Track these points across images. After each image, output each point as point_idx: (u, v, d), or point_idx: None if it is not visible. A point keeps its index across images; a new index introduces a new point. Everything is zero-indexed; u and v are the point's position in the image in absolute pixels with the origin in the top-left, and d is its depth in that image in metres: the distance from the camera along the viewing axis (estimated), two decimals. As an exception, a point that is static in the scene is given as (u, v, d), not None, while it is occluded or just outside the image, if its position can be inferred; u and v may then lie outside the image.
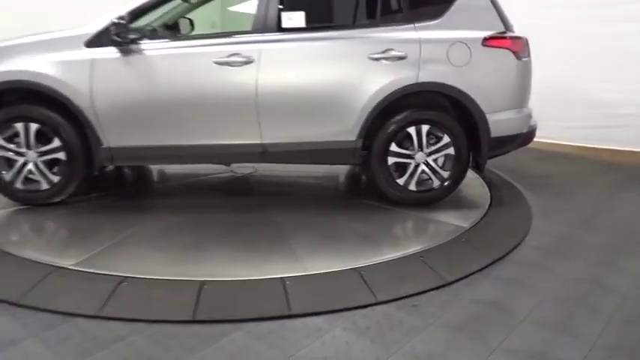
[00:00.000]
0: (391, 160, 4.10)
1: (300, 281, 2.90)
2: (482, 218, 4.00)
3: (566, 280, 3.08)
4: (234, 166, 5.07)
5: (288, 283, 2.86)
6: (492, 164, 4.92)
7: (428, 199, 4.18)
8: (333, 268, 3.05)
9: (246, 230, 3.65)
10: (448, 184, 4.16)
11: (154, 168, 5.27)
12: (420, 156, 4.09)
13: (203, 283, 2.82)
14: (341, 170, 5.21)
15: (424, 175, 4.16)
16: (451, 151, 4.10)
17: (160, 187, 4.92)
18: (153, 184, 4.99)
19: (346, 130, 3.97)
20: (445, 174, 4.14)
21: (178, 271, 2.96)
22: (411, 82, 3.92)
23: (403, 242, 3.60)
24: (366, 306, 2.69)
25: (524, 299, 2.83)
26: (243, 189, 4.69)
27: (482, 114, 4.01)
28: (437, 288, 2.90)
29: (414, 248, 3.40)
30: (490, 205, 4.29)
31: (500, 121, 4.08)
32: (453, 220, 3.92)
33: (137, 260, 3.12)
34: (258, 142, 3.99)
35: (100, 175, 4.71)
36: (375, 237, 3.60)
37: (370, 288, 2.84)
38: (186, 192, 4.64)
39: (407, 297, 2.79)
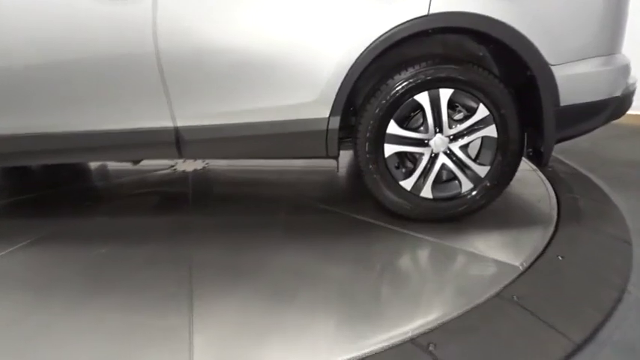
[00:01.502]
0: (390, 149, 2.46)
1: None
2: (547, 247, 2.32)
3: None
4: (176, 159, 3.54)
5: None
6: (555, 147, 3.14)
7: (453, 213, 2.54)
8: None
9: (152, 276, 2.11)
10: (487, 187, 2.49)
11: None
12: (438, 141, 2.44)
13: None
14: (327, 162, 3.56)
15: (445, 172, 2.50)
16: (491, 131, 2.43)
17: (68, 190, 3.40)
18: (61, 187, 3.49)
19: (311, 101, 2.36)
20: (481, 170, 2.48)
21: None
22: (418, 15, 2.25)
23: (405, 308, 1.97)
24: None
25: None
26: (179, 197, 3.12)
27: (545, 67, 2.31)
28: None
29: (419, 323, 1.77)
30: (559, 220, 2.59)
31: (576, 79, 2.37)
32: (497, 254, 2.26)
33: None
34: (168, 125, 2.42)
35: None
36: (368, 289, 2.00)
37: None
38: (99, 201, 3.12)
39: None
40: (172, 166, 3.52)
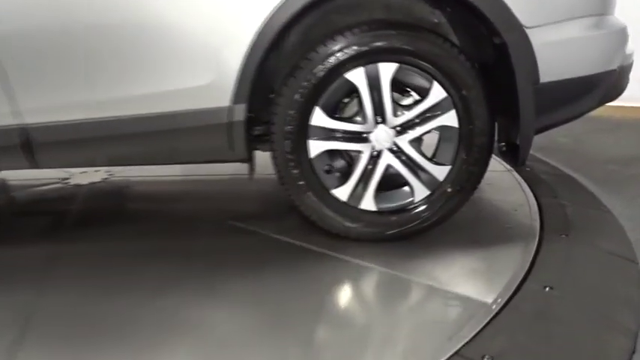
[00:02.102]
0: (317, 146, 1.84)
1: None
2: (529, 273, 1.71)
3: None
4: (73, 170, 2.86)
5: None
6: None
7: (404, 230, 1.91)
8: None
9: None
10: (448, 193, 1.87)
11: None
12: (381, 134, 1.82)
13: None
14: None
15: (393, 174, 1.88)
16: (451, 119, 1.83)
17: None
18: None
19: (203, 85, 1.72)
20: (440, 172, 1.86)
21: None
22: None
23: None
24: None
25: None
26: (59, 218, 2.41)
27: (518, 30, 1.72)
28: None
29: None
30: (542, 235, 1.98)
31: (559, 46, 1.79)
32: (462, 286, 1.65)
33: None
34: (10, 123, 1.76)
35: None
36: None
37: None
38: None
39: None
40: (66, 178, 2.82)
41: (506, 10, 1.70)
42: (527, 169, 2.72)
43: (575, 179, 2.72)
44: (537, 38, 1.74)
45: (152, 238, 2.10)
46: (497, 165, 2.58)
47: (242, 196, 2.55)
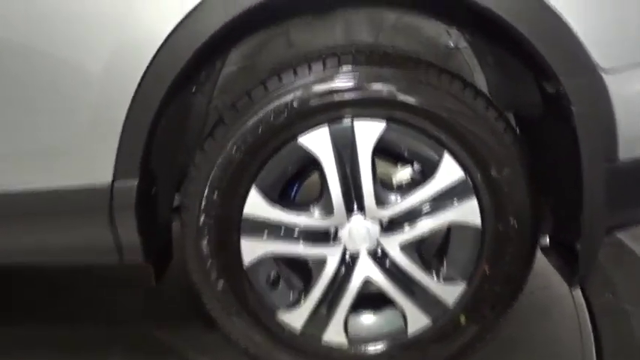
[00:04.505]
0: (254, 249, 1.14)
1: None
2: None
3: None
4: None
5: None
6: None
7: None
8: None
9: None
10: (461, 327, 1.16)
11: None
12: (357, 230, 1.12)
13: None
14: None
15: (375, 295, 1.18)
16: (469, 213, 1.11)
17: None
18: None
19: (67, 151, 1.03)
20: (448, 293, 1.16)
21: None
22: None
23: None
24: None
25: None
26: None
27: (590, 74, 0.99)
28: None
29: None
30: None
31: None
32: None
33: None
34: None
35: None
36: None
37: None
38: None
39: None
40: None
41: (571, 39, 0.99)
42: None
43: None
44: (619, 87, 1.03)
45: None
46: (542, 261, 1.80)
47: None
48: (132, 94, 1.00)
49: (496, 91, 1.27)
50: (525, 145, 1.12)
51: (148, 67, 0.99)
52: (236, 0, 0.96)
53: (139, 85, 0.99)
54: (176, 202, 1.30)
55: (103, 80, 1.00)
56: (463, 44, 1.26)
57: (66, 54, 1.01)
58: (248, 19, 0.99)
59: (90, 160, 1.07)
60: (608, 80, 1.02)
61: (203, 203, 1.11)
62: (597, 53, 1.00)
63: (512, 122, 1.20)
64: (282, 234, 1.13)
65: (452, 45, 1.29)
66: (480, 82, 1.30)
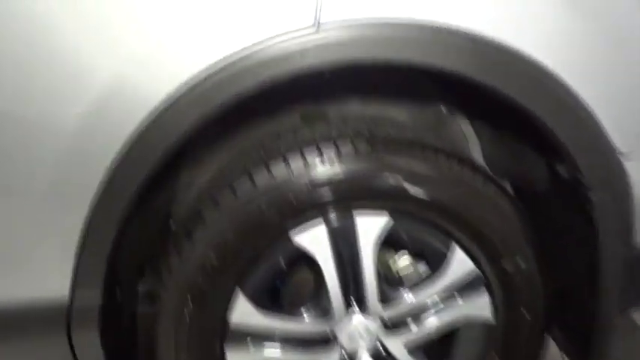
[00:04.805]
0: None
1: None
2: None
3: None
4: None
5: None
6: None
7: None
8: None
9: None
10: None
11: None
12: (357, 329, 1.01)
13: None
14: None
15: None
16: (480, 308, 1.02)
17: None
18: None
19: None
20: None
21: None
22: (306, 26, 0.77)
23: None
24: None
25: None
26: None
27: (608, 159, 0.90)
28: None
29: None
30: None
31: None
32: None
33: None
34: None
35: None
36: None
37: None
38: None
39: None
40: None
41: (595, 124, 0.90)
42: None
43: None
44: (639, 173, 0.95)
45: None
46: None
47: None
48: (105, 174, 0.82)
49: (492, 161, 1.18)
50: (533, 232, 1.02)
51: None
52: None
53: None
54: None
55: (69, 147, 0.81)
56: (469, 130, 1.16)
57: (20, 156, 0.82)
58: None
59: (43, 265, 0.88)
60: (628, 166, 0.94)
61: (178, 312, 0.94)
62: (617, 136, 0.92)
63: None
64: (273, 339, 0.99)
65: (444, 111, 1.20)
66: (474, 149, 1.21)
